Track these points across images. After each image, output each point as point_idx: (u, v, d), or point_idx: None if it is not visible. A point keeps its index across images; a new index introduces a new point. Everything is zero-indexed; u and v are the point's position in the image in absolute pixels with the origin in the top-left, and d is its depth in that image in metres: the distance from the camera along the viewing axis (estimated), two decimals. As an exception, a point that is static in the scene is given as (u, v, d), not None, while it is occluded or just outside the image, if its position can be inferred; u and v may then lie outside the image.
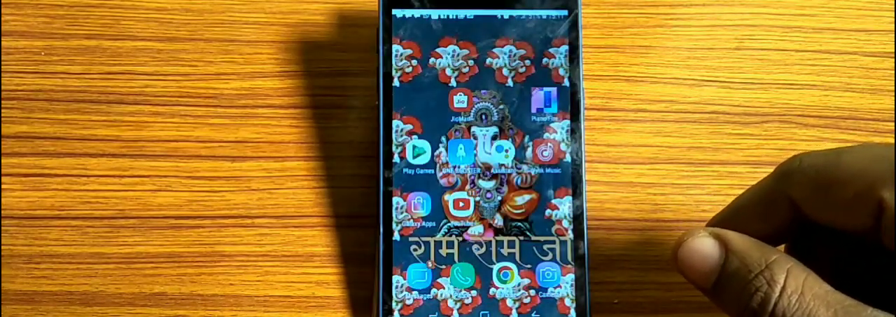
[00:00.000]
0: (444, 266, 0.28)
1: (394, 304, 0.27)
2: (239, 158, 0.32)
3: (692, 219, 0.32)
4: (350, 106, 0.33)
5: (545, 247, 0.28)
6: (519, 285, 0.28)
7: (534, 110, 0.29)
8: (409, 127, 0.28)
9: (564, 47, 0.29)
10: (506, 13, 0.29)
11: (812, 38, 0.35)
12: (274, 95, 0.33)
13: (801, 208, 0.22)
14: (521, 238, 0.28)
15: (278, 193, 0.32)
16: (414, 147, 0.28)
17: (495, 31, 0.29)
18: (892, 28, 0.35)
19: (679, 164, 0.33)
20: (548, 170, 0.28)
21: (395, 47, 0.28)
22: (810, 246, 0.23)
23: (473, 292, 0.28)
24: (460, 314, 0.27)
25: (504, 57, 0.29)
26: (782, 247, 0.24)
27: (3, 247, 0.31)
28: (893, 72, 0.34)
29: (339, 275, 0.31)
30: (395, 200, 0.28)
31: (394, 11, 0.29)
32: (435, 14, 0.29)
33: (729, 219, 0.24)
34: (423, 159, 0.28)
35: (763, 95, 0.34)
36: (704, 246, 0.22)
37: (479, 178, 0.28)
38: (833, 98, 0.34)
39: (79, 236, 0.31)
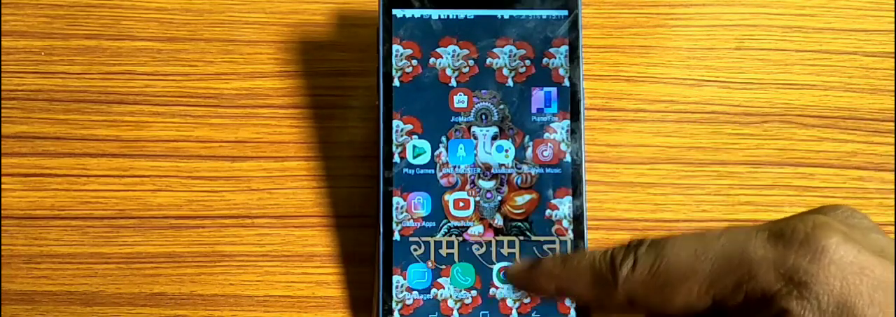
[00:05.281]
0: (444, 266, 0.28)
1: (394, 304, 0.27)
2: (239, 158, 0.32)
3: (692, 219, 0.32)
4: (350, 106, 0.33)
5: (545, 247, 0.28)
6: (519, 285, 0.28)
7: (534, 110, 0.29)
8: (410, 127, 0.28)
9: (564, 47, 0.29)
10: (506, 13, 0.29)
11: (812, 38, 0.35)
12: (274, 95, 0.33)
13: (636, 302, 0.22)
14: (522, 238, 0.28)
15: (278, 193, 0.32)
16: (414, 147, 0.28)
17: (495, 31, 0.29)
18: (892, 28, 0.35)
19: (679, 164, 0.33)
20: (548, 170, 0.28)
21: (395, 47, 0.28)
22: None
23: (473, 292, 0.28)
24: (460, 314, 0.27)
25: (504, 57, 0.29)
26: None
27: (3, 247, 0.31)
28: (893, 72, 0.34)
29: (339, 275, 0.31)
30: (395, 200, 0.28)
31: (394, 11, 0.29)
32: (435, 14, 0.29)
33: (560, 273, 0.24)
34: (424, 159, 0.28)
35: (763, 95, 0.34)
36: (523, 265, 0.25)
37: (479, 178, 0.28)
38: (833, 98, 0.34)
39: (79, 236, 0.31)
